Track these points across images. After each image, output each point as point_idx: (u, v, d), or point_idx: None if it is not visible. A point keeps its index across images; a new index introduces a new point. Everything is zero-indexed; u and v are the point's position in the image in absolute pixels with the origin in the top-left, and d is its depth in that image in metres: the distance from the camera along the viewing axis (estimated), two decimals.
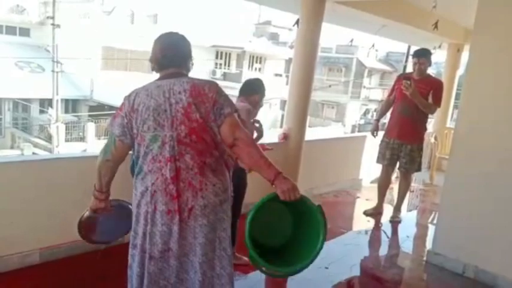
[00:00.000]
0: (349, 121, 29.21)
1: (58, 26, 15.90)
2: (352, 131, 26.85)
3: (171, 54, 1.96)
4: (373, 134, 4.84)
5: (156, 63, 1.98)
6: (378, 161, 4.77)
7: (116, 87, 18.04)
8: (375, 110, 32.57)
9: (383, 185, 4.84)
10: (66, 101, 19.12)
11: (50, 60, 16.05)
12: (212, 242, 1.92)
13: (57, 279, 2.87)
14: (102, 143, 15.37)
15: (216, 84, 1.94)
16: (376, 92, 31.77)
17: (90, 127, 17.23)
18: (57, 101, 15.99)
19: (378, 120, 4.94)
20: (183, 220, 1.87)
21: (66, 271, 2.97)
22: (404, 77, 4.42)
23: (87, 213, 2.19)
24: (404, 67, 16.07)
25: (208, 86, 1.89)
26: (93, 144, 16.32)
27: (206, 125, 1.86)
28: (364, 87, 30.53)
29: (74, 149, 15.09)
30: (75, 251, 3.10)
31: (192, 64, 2.04)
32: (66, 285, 2.82)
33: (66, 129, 16.62)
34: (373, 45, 7.46)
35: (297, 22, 4.45)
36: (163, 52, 1.97)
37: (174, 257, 1.92)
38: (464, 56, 7.53)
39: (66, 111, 18.94)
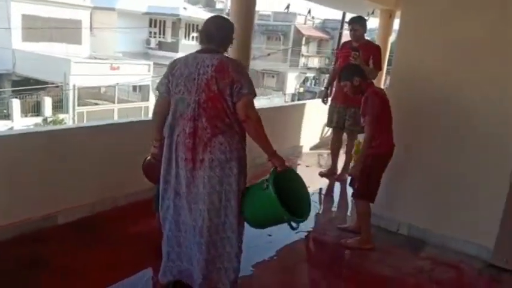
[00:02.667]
0: (289, 90, 29.52)
1: None
2: (292, 100, 27.20)
3: (211, 33, 2.34)
4: (323, 101, 5.06)
5: (200, 38, 2.39)
6: (327, 125, 5.21)
7: (42, 60, 16.81)
8: (314, 78, 33.17)
9: (335, 147, 5.17)
10: None
11: None
12: (219, 193, 2.30)
13: None
14: (30, 120, 14.42)
15: (240, 66, 2.31)
16: (314, 59, 32.22)
17: (15, 103, 15.93)
18: None
19: (327, 88, 5.16)
20: (196, 169, 2.29)
21: None
22: (351, 46, 4.52)
23: (148, 158, 2.65)
24: (340, 34, 16.39)
25: (232, 65, 2.26)
26: (20, 122, 15.22)
27: (221, 97, 2.23)
28: (303, 55, 30.81)
29: None
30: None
31: (231, 44, 2.42)
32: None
33: None
34: (309, 12, 7.41)
35: None
36: (206, 30, 2.36)
37: (185, 200, 2.35)
38: (396, 22, 7.77)
39: None
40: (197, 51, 2.36)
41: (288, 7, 7.39)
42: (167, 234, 2.48)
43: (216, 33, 2.36)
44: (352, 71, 3.25)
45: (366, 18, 6.84)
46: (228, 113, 2.26)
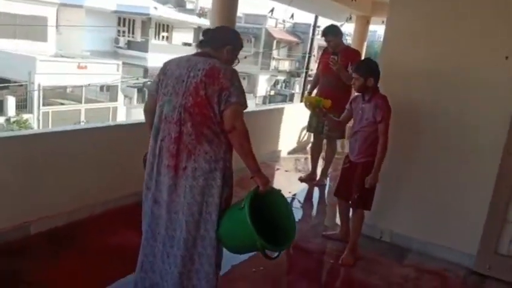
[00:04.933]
0: (259, 92, 29.54)
1: None
2: (263, 102, 27.24)
3: (208, 36, 2.28)
4: (306, 105, 4.97)
5: (199, 41, 2.31)
6: (307, 130, 5.34)
7: (4, 57, 16.05)
8: (284, 81, 33.36)
9: (314, 152, 5.20)
10: None
11: None
12: (200, 205, 2.17)
13: None
14: None
15: (233, 73, 2.15)
16: (285, 63, 32.40)
17: None
18: None
19: (309, 93, 5.14)
20: (178, 177, 2.17)
21: None
22: (331, 52, 4.57)
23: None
24: (312, 39, 16.56)
25: (223, 72, 2.11)
26: None
27: (208, 103, 2.10)
28: (274, 58, 30.90)
29: None
30: None
31: (238, 61, 2.34)
32: None
33: None
34: (292, 16, 7.39)
35: None
36: (204, 34, 2.30)
37: (165, 209, 2.23)
38: (370, 28, 7.88)
39: None
40: (193, 54, 2.27)
41: (272, 10, 7.33)
42: (143, 242, 2.36)
43: (212, 36, 2.28)
44: (371, 70, 3.07)
45: (341, 23, 6.92)
46: (214, 121, 2.13)
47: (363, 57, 7.67)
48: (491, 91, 3.20)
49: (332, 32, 4.58)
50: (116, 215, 3.49)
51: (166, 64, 2.27)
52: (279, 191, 2.36)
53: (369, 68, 3.10)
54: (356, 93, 3.30)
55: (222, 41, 2.26)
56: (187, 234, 2.18)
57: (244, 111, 2.18)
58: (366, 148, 3.14)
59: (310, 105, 3.46)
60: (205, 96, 2.09)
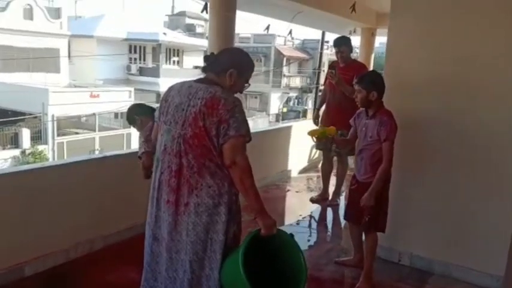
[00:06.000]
0: (272, 110, 29.49)
1: None
2: (277, 120, 27.12)
3: (210, 62, 2.10)
4: (314, 122, 4.92)
5: (203, 65, 2.15)
6: (316, 147, 5.37)
7: (20, 90, 16.38)
8: (296, 97, 33.30)
9: (325, 171, 5.00)
10: None
11: None
12: (204, 242, 2.00)
13: None
14: (7, 153, 13.94)
15: (234, 104, 1.96)
16: (296, 79, 32.40)
17: None
18: None
19: (318, 109, 5.00)
20: (179, 213, 2.00)
21: None
22: (330, 65, 4.49)
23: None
24: (321, 54, 16.50)
25: (224, 103, 1.93)
26: None
27: (207, 135, 1.94)
28: (284, 75, 30.94)
29: None
30: None
31: (248, 85, 2.15)
32: None
33: None
34: (290, 32, 7.30)
35: (205, 8, 4.12)
36: (206, 58, 2.13)
37: (165, 248, 2.06)
38: (377, 40, 7.73)
39: None
40: (195, 80, 2.09)
41: (267, 28, 7.26)
42: (143, 283, 2.20)
43: (214, 61, 2.10)
44: (374, 83, 2.86)
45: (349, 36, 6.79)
46: (215, 154, 1.96)
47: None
48: (503, 96, 2.97)
49: (345, 43, 4.45)
50: (116, 250, 3.33)
51: (169, 90, 2.12)
52: (290, 235, 2.12)
53: (372, 81, 2.89)
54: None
55: (224, 64, 2.06)
56: (191, 274, 2.01)
57: (252, 132, 2.01)
58: (373, 167, 2.91)
59: (317, 139, 3.21)
60: (203, 128, 1.93)
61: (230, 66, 2.05)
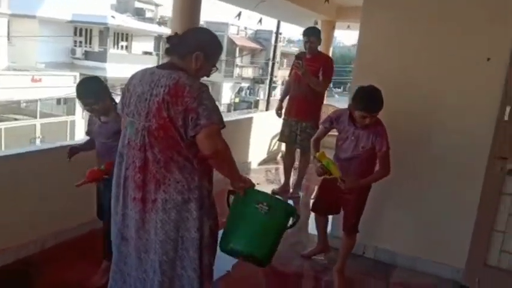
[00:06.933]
0: (224, 100, 29.26)
1: None
2: (228, 110, 26.97)
3: (174, 43, 1.92)
4: (277, 113, 4.86)
5: (165, 48, 1.97)
6: (279, 139, 5.04)
7: None
8: (248, 88, 33.26)
9: (287, 163, 4.94)
10: None
11: None
12: (174, 241, 1.89)
13: None
14: None
15: (200, 90, 1.80)
16: (248, 70, 32.32)
17: None
18: None
19: (281, 100, 4.94)
20: (147, 211, 1.88)
21: None
22: (296, 56, 4.44)
23: None
24: (275, 46, 16.53)
25: (189, 90, 1.77)
26: None
27: (173, 126, 1.79)
28: (237, 65, 30.74)
29: None
30: None
31: (216, 69, 1.99)
32: None
33: None
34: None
35: None
36: (169, 39, 1.94)
37: (133, 247, 1.94)
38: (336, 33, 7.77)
39: None
40: (157, 66, 1.93)
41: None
42: (110, 283, 2.05)
43: (178, 42, 1.91)
44: (382, 105, 2.69)
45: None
46: (183, 146, 1.82)
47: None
48: (474, 96, 3.05)
49: (315, 33, 4.42)
50: (71, 247, 3.10)
51: (131, 78, 1.95)
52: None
53: (381, 104, 2.69)
54: (340, 108, 3.02)
55: (189, 46, 1.88)
56: (162, 276, 1.89)
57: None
58: (363, 171, 2.82)
59: (325, 166, 2.75)
60: (168, 118, 1.78)
61: (196, 48, 1.88)
